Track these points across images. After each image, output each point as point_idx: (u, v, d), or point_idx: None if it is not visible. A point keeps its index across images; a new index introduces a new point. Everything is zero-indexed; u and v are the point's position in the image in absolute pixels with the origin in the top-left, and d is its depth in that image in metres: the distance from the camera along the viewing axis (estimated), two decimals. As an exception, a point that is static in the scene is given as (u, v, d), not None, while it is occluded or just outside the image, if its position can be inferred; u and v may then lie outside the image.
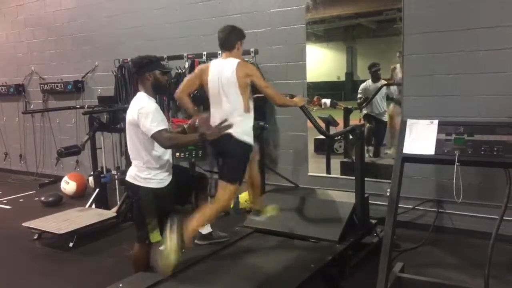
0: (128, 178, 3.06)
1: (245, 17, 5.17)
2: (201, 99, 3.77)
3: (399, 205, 2.92)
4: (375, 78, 4.85)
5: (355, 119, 4.98)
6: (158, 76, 2.99)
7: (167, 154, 3.06)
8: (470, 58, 4.03)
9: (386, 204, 3.02)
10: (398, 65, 4.48)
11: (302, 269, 3.09)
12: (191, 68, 5.23)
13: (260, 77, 3.17)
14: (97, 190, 5.29)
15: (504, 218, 2.65)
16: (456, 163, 2.61)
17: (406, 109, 4.39)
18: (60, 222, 4.61)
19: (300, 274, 3.02)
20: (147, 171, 2.97)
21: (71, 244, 4.39)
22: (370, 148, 4.90)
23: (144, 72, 2.98)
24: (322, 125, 4.60)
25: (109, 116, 5.14)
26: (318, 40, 5.06)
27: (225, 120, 2.94)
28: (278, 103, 3.41)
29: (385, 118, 4.91)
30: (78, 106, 6.37)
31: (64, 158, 5.81)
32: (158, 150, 2.95)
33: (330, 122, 5.02)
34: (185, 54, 5.44)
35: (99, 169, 5.39)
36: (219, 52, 4.74)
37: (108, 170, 5.61)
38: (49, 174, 7.52)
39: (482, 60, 3.98)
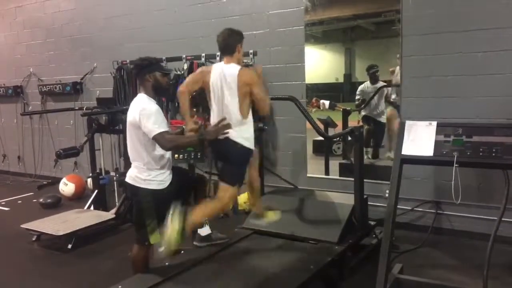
0: (128, 179, 3.05)
1: (244, 19, 5.18)
2: (200, 100, 3.77)
3: (398, 207, 2.93)
4: (374, 79, 4.86)
5: (354, 121, 4.99)
6: (158, 78, 3.00)
7: (168, 155, 3.06)
8: (468, 60, 4.05)
9: (385, 205, 3.02)
10: (397, 67, 4.49)
11: (301, 271, 3.09)
12: (190, 69, 5.24)
13: (260, 87, 3.16)
14: (96, 191, 5.28)
15: (503, 219, 2.65)
16: (454, 165, 2.62)
17: (405, 111, 4.40)
18: (58, 224, 4.60)
19: (299, 275, 3.02)
20: (147, 172, 2.97)
21: (69, 246, 4.38)
22: (369, 149, 4.90)
23: (145, 73, 2.98)
24: (321, 126, 4.60)
25: (108, 118, 5.13)
26: (316, 42, 5.07)
27: (223, 119, 2.95)
28: (263, 114, 3.40)
29: (384, 119, 4.91)
30: (76, 108, 6.36)
31: (63, 159, 5.80)
32: (158, 151, 2.95)
33: (328, 123, 5.03)
34: (184, 56, 5.44)
35: (97, 171, 5.38)
36: (218, 54, 4.77)
37: (107, 172, 5.60)
38: (47, 175, 7.51)
39: (481, 61, 3.99)
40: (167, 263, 3.28)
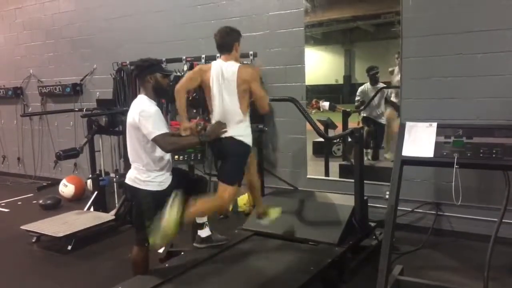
0: (128, 180, 3.05)
1: (244, 20, 5.18)
2: (199, 102, 3.77)
3: (398, 208, 2.92)
4: (373, 81, 4.86)
5: (354, 122, 4.99)
6: (159, 79, 3.00)
7: (167, 156, 3.06)
8: (468, 61, 4.05)
9: (385, 206, 3.02)
10: (396, 68, 4.49)
11: (301, 272, 3.08)
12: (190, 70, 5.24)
13: (258, 84, 3.17)
14: (96, 193, 5.28)
15: (504, 220, 2.65)
16: (455, 166, 2.62)
17: (405, 112, 4.40)
18: (58, 225, 4.60)
19: (300, 277, 3.01)
20: (147, 174, 2.96)
21: (69, 247, 4.38)
22: (369, 151, 4.90)
23: (146, 75, 2.99)
24: (321, 127, 4.60)
25: (108, 119, 5.14)
26: (316, 43, 5.08)
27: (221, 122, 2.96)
28: (263, 112, 3.39)
29: (384, 120, 4.92)
30: (76, 109, 6.36)
31: (63, 161, 5.81)
32: (158, 152, 2.95)
33: (329, 124, 5.03)
34: (184, 57, 5.44)
35: (97, 172, 5.38)
36: (218, 55, 4.76)
37: (107, 173, 5.60)
38: (47, 177, 7.51)
39: (480, 63, 3.99)
40: (166, 265, 3.28)
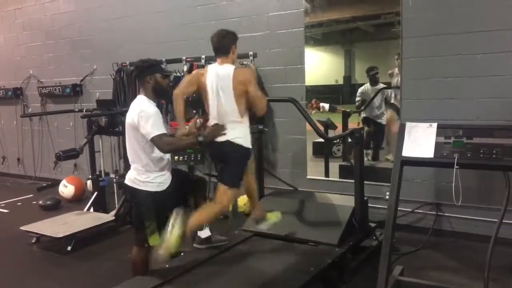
0: (127, 181, 3.05)
1: (244, 21, 5.18)
2: (199, 103, 3.77)
3: (398, 208, 2.92)
4: (373, 81, 4.86)
5: (354, 123, 4.99)
6: (159, 80, 3.00)
7: (167, 157, 3.06)
8: (468, 62, 4.05)
9: (385, 207, 3.02)
10: (396, 70, 4.49)
11: (302, 273, 3.08)
12: (190, 71, 5.23)
13: (255, 86, 3.15)
14: (96, 193, 5.28)
15: (504, 221, 2.65)
16: (455, 166, 2.61)
17: (405, 112, 4.40)
18: (58, 226, 4.60)
19: (300, 277, 3.01)
20: (146, 175, 2.96)
21: (69, 248, 4.37)
22: (369, 151, 4.90)
23: (145, 75, 2.99)
24: (321, 128, 4.60)
25: (108, 120, 5.13)
26: (316, 44, 5.07)
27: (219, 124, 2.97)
28: (260, 114, 3.37)
29: (384, 121, 4.91)
30: (76, 110, 6.36)
31: (63, 161, 5.80)
32: (157, 153, 2.95)
33: (328, 125, 5.03)
34: (184, 58, 5.44)
35: (97, 173, 5.38)
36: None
37: (107, 174, 5.59)
38: (47, 177, 7.51)
39: (480, 63, 3.99)
40: (167, 265, 3.27)
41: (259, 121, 4.52)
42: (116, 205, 5.09)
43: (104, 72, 6.37)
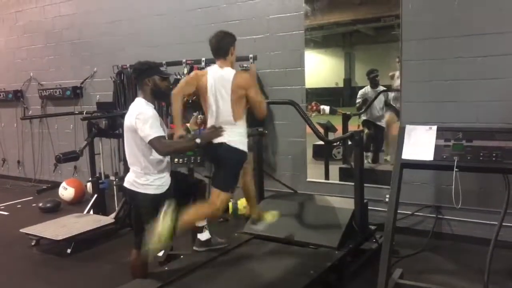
0: (126, 184, 3.05)
1: (244, 23, 5.19)
2: (199, 105, 3.77)
3: (398, 211, 2.92)
4: (374, 84, 4.86)
5: (354, 125, 4.99)
6: (157, 82, 3.00)
7: (166, 159, 3.06)
8: (467, 64, 4.05)
9: (385, 210, 3.01)
10: (397, 72, 4.49)
11: (301, 276, 3.08)
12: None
13: (255, 90, 3.15)
14: (95, 196, 5.27)
15: (504, 224, 2.65)
16: (455, 169, 2.62)
17: (405, 115, 4.40)
18: (58, 228, 4.59)
19: (299, 280, 3.00)
20: (145, 177, 2.96)
21: (69, 251, 4.37)
22: (369, 154, 4.89)
23: (144, 77, 2.99)
24: (321, 131, 4.60)
25: (108, 122, 5.13)
26: (316, 46, 5.08)
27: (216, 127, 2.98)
28: (260, 118, 3.37)
29: (384, 123, 4.91)
30: (76, 112, 6.37)
31: (62, 164, 5.80)
32: (155, 155, 2.94)
33: (328, 128, 5.03)
34: (184, 60, 5.44)
35: (97, 175, 5.37)
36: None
37: (107, 176, 5.59)
38: (47, 180, 7.50)
39: (480, 66, 4.00)
40: (166, 268, 3.27)
41: (259, 124, 4.52)
42: (116, 208, 5.08)
43: (105, 75, 6.37)
